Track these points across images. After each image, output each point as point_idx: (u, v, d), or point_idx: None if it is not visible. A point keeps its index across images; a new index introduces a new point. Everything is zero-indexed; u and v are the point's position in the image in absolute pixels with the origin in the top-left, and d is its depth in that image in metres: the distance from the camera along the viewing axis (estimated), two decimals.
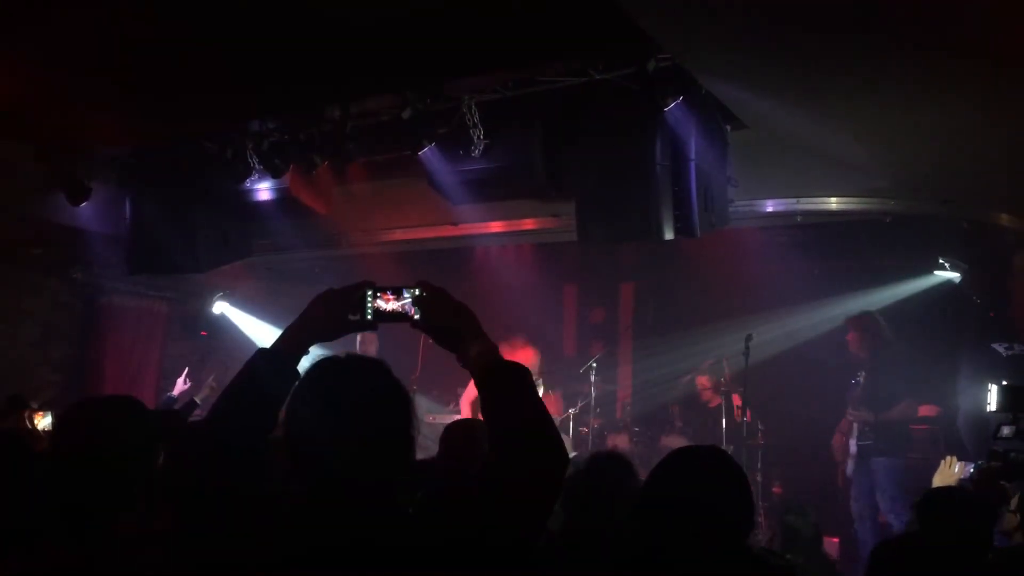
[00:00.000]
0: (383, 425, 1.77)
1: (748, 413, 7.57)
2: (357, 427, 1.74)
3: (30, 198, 7.12)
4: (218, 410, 1.88)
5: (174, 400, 6.66)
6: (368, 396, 1.79)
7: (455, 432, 3.77)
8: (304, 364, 1.90)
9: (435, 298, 1.98)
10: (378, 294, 1.99)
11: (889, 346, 6.88)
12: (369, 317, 1.99)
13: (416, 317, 1.98)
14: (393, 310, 1.99)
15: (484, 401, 1.92)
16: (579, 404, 8.15)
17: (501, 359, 1.93)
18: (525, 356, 7.56)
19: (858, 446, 6.80)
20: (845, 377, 7.45)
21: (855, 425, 6.92)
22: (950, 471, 4.16)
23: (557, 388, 8.27)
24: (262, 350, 1.92)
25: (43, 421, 4.38)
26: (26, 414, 4.37)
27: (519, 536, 1.74)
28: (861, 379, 6.90)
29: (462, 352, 1.94)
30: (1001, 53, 3.84)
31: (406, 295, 1.99)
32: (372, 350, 8.27)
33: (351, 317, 1.98)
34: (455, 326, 1.96)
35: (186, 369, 6.88)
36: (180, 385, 6.78)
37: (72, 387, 8.32)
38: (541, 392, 8.01)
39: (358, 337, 8.37)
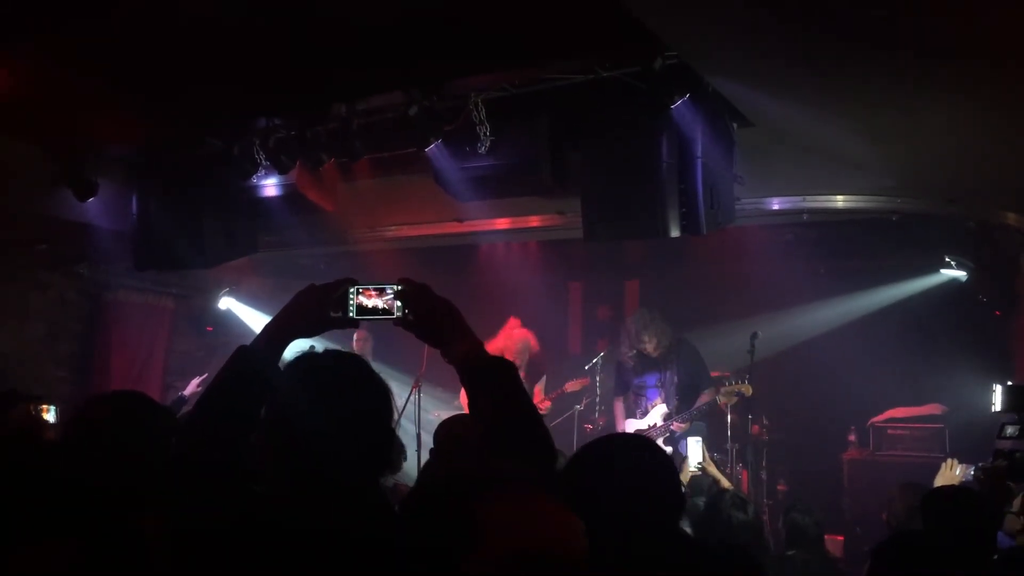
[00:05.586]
0: (362, 418, 1.78)
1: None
2: (336, 420, 1.75)
3: (36, 194, 7.11)
4: (201, 407, 1.90)
5: (185, 400, 6.67)
6: (347, 390, 1.80)
7: (444, 430, 3.75)
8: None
9: (418, 295, 1.99)
10: (360, 291, 1.99)
11: (681, 345, 7.16)
12: (351, 314, 2.00)
13: (399, 314, 1.99)
14: (375, 307, 1.99)
15: (470, 398, 1.94)
16: (584, 401, 8.15)
17: (486, 355, 1.95)
18: (520, 336, 7.61)
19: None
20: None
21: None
22: (951, 473, 4.14)
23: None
24: (243, 347, 1.93)
25: (47, 415, 4.36)
26: (31, 406, 4.36)
27: None
28: (671, 374, 7.09)
29: (446, 348, 1.95)
30: (1007, 54, 3.84)
31: (389, 292, 1.99)
32: (367, 349, 8.34)
33: (333, 314, 1.99)
34: (438, 322, 1.97)
35: (205, 374, 6.90)
36: (193, 386, 6.79)
37: (78, 383, 8.33)
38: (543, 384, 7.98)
39: (354, 336, 8.43)
